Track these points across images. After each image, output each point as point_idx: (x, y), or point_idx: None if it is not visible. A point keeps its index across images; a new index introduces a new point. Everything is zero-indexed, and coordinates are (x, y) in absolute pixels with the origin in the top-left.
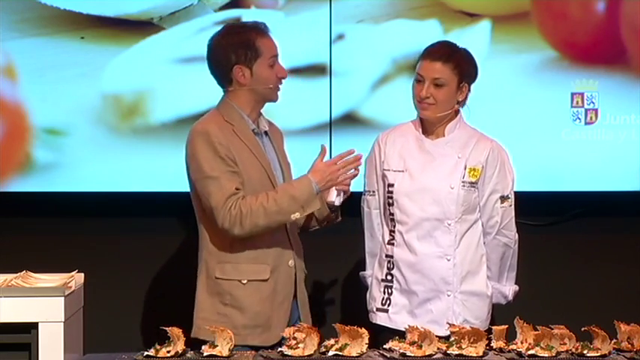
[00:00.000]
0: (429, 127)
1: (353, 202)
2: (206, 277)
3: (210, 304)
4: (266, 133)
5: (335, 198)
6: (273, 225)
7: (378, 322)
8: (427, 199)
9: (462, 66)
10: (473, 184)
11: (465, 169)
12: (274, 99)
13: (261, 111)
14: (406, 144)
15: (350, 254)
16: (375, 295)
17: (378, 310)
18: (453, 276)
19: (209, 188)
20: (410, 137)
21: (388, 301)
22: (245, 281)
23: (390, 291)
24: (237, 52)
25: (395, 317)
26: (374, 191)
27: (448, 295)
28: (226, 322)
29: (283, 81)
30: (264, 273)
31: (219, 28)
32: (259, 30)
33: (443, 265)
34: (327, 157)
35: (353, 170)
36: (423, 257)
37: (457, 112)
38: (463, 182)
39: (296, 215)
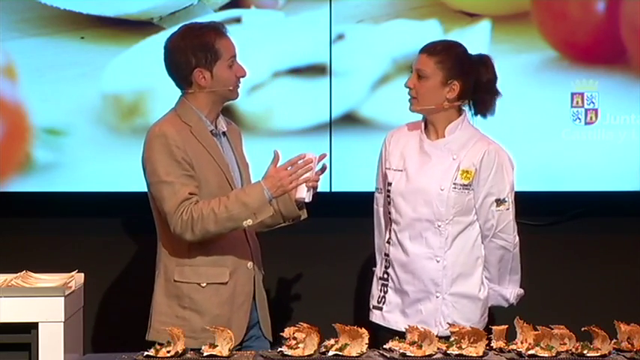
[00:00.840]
0: (430, 127)
1: (357, 203)
2: (164, 280)
3: (168, 307)
4: (224, 133)
5: (305, 194)
6: (224, 231)
7: (374, 320)
8: (419, 199)
9: (449, 62)
10: (465, 186)
11: (458, 170)
12: (234, 98)
13: (219, 112)
14: (408, 144)
15: (353, 254)
16: (374, 292)
17: (374, 307)
18: (443, 277)
19: (163, 193)
20: (413, 137)
21: (383, 300)
22: (204, 284)
23: (385, 289)
24: (196, 54)
25: (388, 316)
26: (381, 189)
27: (437, 297)
28: (185, 325)
29: (242, 79)
30: (224, 276)
31: None
32: (218, 31)
33: (432, 267)
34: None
35: (308, 174)
36: (413, 258)
37: (460, 112)
38: (454, 184)
39: (248, 222)
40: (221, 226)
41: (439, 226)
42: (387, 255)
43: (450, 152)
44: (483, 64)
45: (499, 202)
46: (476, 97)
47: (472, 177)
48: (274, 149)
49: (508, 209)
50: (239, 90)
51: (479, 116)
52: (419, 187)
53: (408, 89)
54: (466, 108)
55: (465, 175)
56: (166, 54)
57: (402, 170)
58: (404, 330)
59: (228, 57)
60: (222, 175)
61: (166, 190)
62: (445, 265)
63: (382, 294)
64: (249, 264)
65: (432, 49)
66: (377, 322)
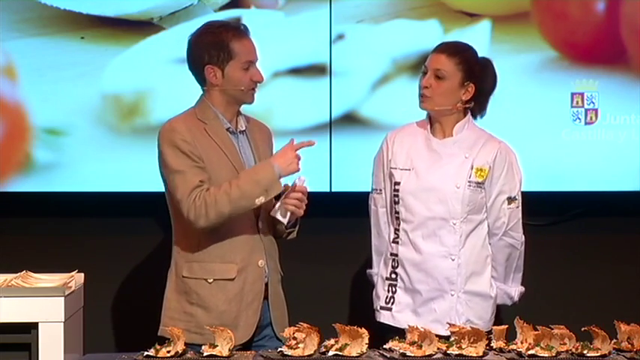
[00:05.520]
0: (436, 126)
1: (357, 203)
2: (175, 276)
3: (177, 302)
4: (243, 132)
5: (278, 215)
6: (238, 211)
7: (382, 321)
8: (433, 198)
9: (468, 64)
10: (479, 185)
11: (472, 169)
12: (248, 101)
13: (240, 110)
14: (414, 143)
15: (353, 254)
16: (380, 293)
17: (382, 308)
18: (457, 276)
19: (175, 182)
20: (418, 136)
21: (392, 300)
22: (211, 280)
23: (394, 289)
24: (209, 52)
25: (398, 316)
26: (381, 189)
27: (452, 295)
28: (192, 321)
29: (259, 85)
30: (231, 272)
31: None
32: (237, 32)
33: (447, 265)
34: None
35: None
36: (427, 256)
37: (465, 112)
38: (469, 182)
39: (260, 199)
40: (235, 206)
41: (454, 224)
42: (394, 255)
43: (461, 150)
44: (486, 66)
45: (510, 199)
46: (476, 99)
47: (486, 175)
48: (291, 138)
49: (518, 207)
50: (254, 95)
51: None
52: (431, 185)
53: (420, 87)
54: None
55: (480, 173)
56: (187, 49)
57: (410, 169)
58: None
59: (244, 59)
60: (235, 172)
61: (178, 179)
62: (460, 264)
63: (390, 294)
64: (261, 262)
65: (451, 50)
66: (386, 322)
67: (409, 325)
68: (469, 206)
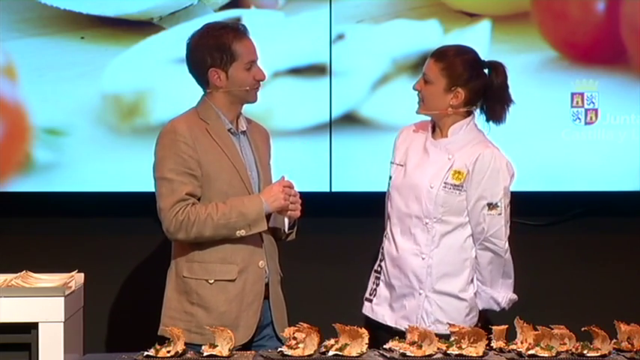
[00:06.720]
0: (435, 126)
1: (357, 203)
2: (175, 276)
3: (177, 302)
4: (244, 132)
5: (277, 223)
6: (217, 237)
7: (364, 312)
8: (411, 195)
9: (453, 69)
10: (456, 187)
11: (450, 170)
12: (252, 100)
13: (242, 111)
14: (415, 141)
15: (353, 254)
16: (369, 285)
17: (366, 299)
18: (427, 275)
19: (161, 189)
20: (420, 135)
21: (375, 292)
22: (212, 281)
23: (377, 282)
24: (212, 55)
25: (377, 308)
26: None
27: (420, 294)
28: (192, 320)
29: (262, 83)
30: (232, 273)
31: None
32: (237, 33)
33: (417, 263)
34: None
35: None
36: (402, 253)
37: (467, 115)
38: (445, 183)
39: (241, 232)
40: (216, 233)
41: (427, 224)
42: (382, 248)
43: (447, 152)
44: (494, 71)
45: (491, 206)
46: (486, 104)
47: (464, 178)
48: (282, 174)
49: (500, 214)
50: (257, 94)
51: (491, 123)
52: (412, 183)
53: (416, 91)
54: (477, 112)
55: (457, 175)
56: (186, 52)
57: (402, 165)
58: (389, 324)
59: (246, 60)
60: (236, 172)
61: (165, 187)
62: (430, 264)
63: (374, 287)
64: (261, 263)
65: (439, 55)
66: (366, 314)
67: (409, 325)
68: (443, 207)
